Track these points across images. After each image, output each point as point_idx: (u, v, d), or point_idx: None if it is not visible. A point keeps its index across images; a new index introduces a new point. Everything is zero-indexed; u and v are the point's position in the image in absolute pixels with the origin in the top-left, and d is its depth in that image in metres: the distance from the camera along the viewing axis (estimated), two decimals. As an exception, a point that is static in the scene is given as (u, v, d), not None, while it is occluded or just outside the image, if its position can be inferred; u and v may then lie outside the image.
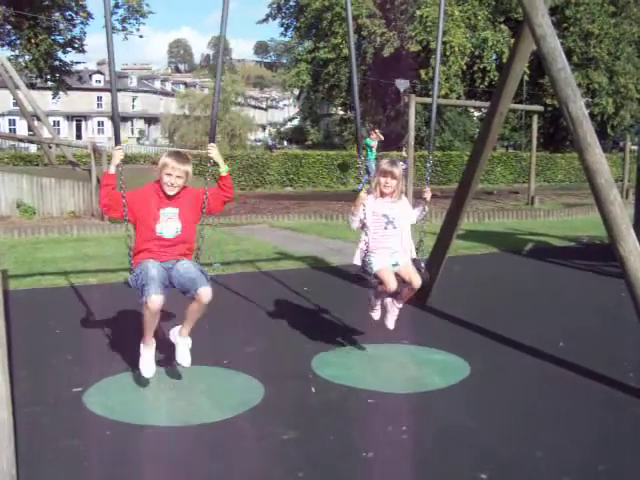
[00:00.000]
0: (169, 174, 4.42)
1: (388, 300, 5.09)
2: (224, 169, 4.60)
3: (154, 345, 4.49)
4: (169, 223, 4.44)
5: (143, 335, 4.41)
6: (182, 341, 4.50)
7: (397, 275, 4.81)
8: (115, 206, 4.42)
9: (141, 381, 4.66)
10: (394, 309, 5.10)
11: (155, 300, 4.15)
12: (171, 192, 4.44)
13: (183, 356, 4.48)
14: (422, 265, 5.01)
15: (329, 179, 25.60)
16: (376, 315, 5.20)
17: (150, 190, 4.51)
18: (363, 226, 4.87)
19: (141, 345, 4.47)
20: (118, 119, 4.64)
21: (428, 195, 5.04)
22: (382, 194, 4.90)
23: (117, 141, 4.53)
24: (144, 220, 4.44)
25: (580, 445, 3.80)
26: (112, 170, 4.40)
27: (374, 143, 20.57)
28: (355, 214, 4.84)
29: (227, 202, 4.69)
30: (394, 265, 4.84)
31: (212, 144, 4.64)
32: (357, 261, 4.94)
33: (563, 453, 3.69)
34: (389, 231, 4.89)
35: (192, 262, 4.49)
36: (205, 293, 4.24)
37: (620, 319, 6.00)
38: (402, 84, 27.25)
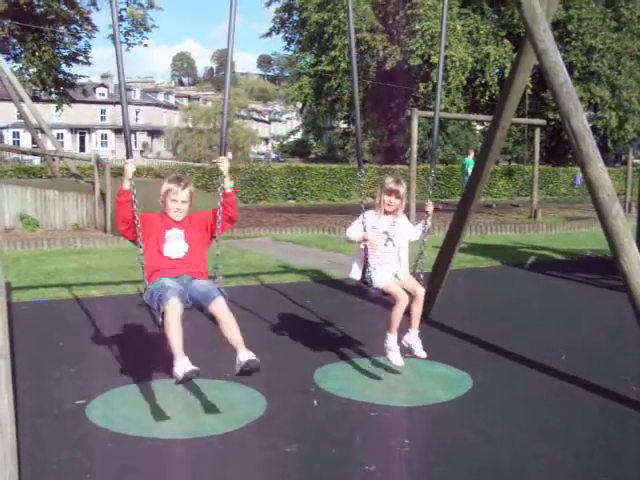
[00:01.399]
0: (174, 200, 4.43)
1: (405, 336, 4.97)
2: (229, 185, 4.45)
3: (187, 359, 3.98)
4: (175, 244, 4.42)
5: (174, 356, 3.99)
6: (246, 356, 4.08)
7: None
8: (131, 223, 4.33)
9: (145, 394, 4.67)
10: (415, 337, 4.97)
11: (174, 303, 4.00)
12: (178, 218, 4.45)
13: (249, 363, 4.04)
14: (421, 277, 5.01)
15: (332, 192, 25.65)
16: (397, 359, 4.85)
17: (157, 216, 4.51)
18: (364, 240, 4.85)
19: (173, 369, 3.98)
20: (129, 131, 4.55)
21: (430, 209, 5.04)
22: (385, 212, 4.91)
23: (128, 154, 4.41)
24: (151, 243, 4.40)
25: (583, 458, 3.79)
26: (126, 185, 4.30)
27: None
28: (357, 228, 4.84)
29: (231, 220, 4.53)
30: (395, 277, 4.86)
31: (223, 157, 4.48)
32: (354, 275, 4.93)
33: (566, 466, 3.68)
34: (389, 248, 4.90)
35: (208, 282, 4.41)
36: (219, 305, 4.16)
37: (623, 333, 6.00)
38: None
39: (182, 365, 3.92)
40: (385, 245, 4.89)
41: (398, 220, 4.96)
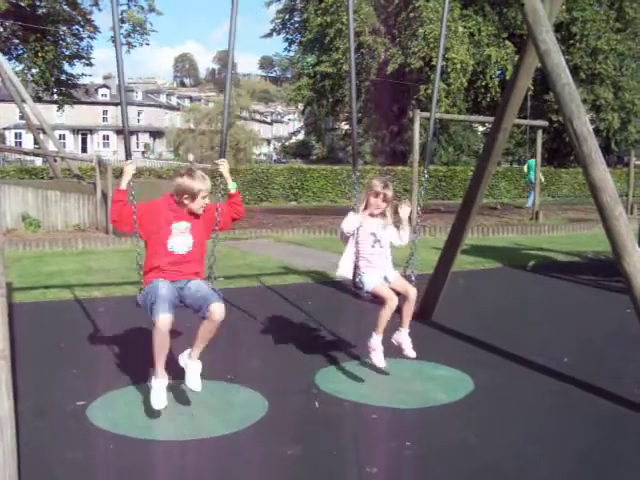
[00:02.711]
0: (205, 197, 4.38)
1: (395, 335, 5.01)
2: (232, 186, 4.55)
3: (166, 379, 4.26)
4: (181, 238, 4.34)
5: (154, 364, 4.21)
6: (192, 365, 4.36)
7: (392, 289, 4.81)
8: (126, 221, 4.31)
9: (145, 395, 4.66)
10: (405, 336, 4.99)
11: (164, 319, 4.05)
12: (201, 212, 4.41)
13: (193, 381, 4.32)
14: (413, 279, 5.01)
15: (334, 194, 25.66)
16: (379, 359, 4.85)
17: (163, 204, 4.41)
18: (349, 238, 4.83)
19: (152, 377, 4.26)
20: (128, 133, 4.61)
21: (403, 211, 4.92)
22: (371, 214, 4.88)
23: (128, 155, 4.46)
24: (155, 234, 4.33)
25: (585, 461, 3.78)
26: (123, 186, 4.33)
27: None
28: (353, 218, 4.78)
29: (237, 219, 4.65)
30: (385, 280, 4.85)
31: (223, 159, 4.60)
32: (344, 273, 4.86)
33: (567, 470, 3.67)
34: (376, 249, 4.88)
35: (204, 282, 4.42)
36: (217, 310, 4.15)
37: (625, 335, 5.99)
38: None
39: (156, 395, 4.19)
40: (372, 247, 4.87)
41: (385, 222, 4.93)
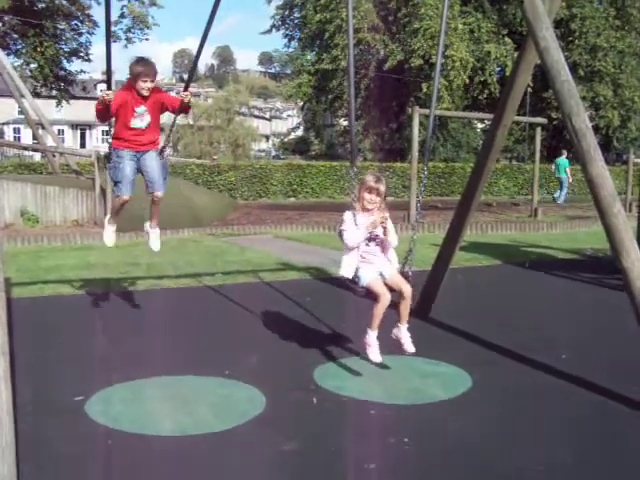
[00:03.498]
0: (145, 80, 5.51)
1: (395, 330, 5.02)
2: (187, 99, 5.65)
3: (114, 227, 6.10)
4: (141, 117, 5.64)
5: (111, 214, 6.09)
6: (153, 231, 6.12)
7: (386, 286, 4.79)
8: (105, 118, 5.62)
9: (144, 391, 4.67)
10: (404, 331, 4.98)
11: (124, 198, 5.69)
12: (147, 93, 5.55)
13: (154, 242, 6.13)
14: (409, 274, 5.00)
15: (332, 190, 25.64)
16: (375, 355, 4.86)
17: (127, 95, 5.59)
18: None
19: (107, 220, 6.11)
20: (111, 65, 5.41)
21: (382, 215, 4.80)
22: (365, 210, 4.85)
23: (109, 87, 5.46)
24: (123, 114, 5.59)
25: (583, 460, 3.78)
26: (101, 105, 5.43)
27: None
28: (357, 231, 4.74)
29: (182, 112, 5.92)
30: (381, 276, 4.83)
31: (187, 92, 5.72)
32: (346, 272, 4.81)
33: (566, 468, 3.68)
34: (370, 247, 4.83)
35: (157, 158, 5.79)
36: (159, 196, 5.80)
37: (623, 332, 5.98)
38: None
39: (107, 234, 6.11)
40: (367, 245, 4.84)
41: (380, 219, 4.87)
